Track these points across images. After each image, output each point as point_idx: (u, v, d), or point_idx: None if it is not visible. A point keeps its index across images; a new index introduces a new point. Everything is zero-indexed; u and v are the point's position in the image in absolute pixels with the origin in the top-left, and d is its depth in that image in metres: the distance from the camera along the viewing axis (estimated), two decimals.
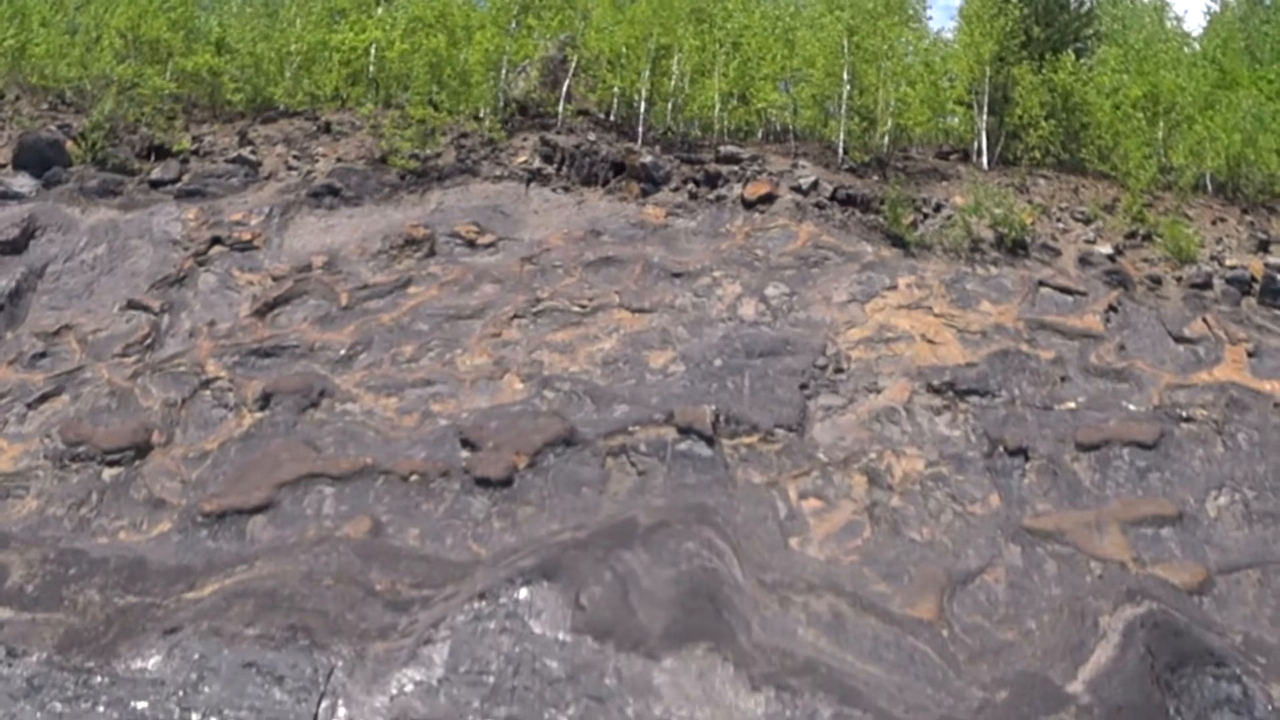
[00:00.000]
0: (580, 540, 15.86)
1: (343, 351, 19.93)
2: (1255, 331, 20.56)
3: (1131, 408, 18.43)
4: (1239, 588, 15.45)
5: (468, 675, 14.08)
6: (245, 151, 26.09)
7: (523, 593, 14.83)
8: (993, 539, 16.12)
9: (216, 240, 22.85)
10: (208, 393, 19.08)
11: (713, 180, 24.66)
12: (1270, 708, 13.12)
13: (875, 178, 24.97)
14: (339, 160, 25.60)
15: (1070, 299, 21.44)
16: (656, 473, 17.50)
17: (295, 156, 26.13)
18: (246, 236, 22.97)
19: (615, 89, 28.59)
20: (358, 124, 27.33)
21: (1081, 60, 28.61)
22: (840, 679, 13.96)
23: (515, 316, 21.09)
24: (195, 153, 26.39)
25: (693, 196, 24.36)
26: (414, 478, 17.10)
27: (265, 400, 18.75)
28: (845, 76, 26.53)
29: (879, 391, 19.11)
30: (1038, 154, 26.57)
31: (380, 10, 32.16)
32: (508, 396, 19.16)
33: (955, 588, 15.45)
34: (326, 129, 27.45)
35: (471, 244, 22.86)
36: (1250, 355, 19.67)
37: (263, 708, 13.71)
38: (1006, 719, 13.44)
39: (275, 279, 21.83)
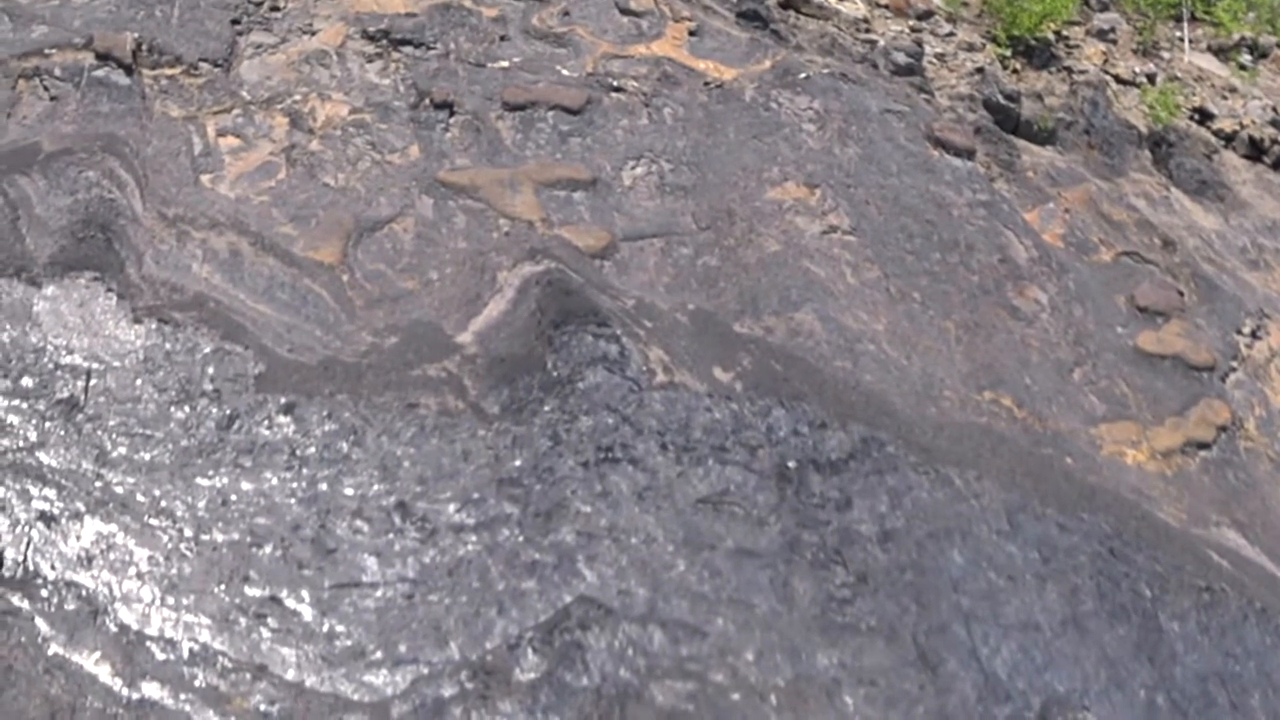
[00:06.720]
0: None
1: None
2: (700, 11, 20.67)
3: (565, 73, 18.34)
4: (642, 255, 15.81)
5: None
6: None
7: None
8: (407, 189, 15.85)
9: None
10: None
11: None
12: (645, 368, 13.62)
13: None
14: None
15: None
16: (70, 99, 16.19)
17: None
18: None
19: None
20: None
21: None
22: (227, 316, 13.55)
23: None
24: None
25: None
26: None
27: None
28: None
29: (313, 34, 18.16)
30: None
31: None
32: None
33: (362, 235, 15.15)
34: None
35: None
36: (691, 34, 19.74)
37: None
38: (391, 364, 13.47)
39: None
